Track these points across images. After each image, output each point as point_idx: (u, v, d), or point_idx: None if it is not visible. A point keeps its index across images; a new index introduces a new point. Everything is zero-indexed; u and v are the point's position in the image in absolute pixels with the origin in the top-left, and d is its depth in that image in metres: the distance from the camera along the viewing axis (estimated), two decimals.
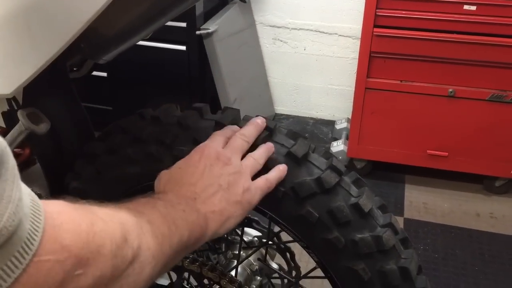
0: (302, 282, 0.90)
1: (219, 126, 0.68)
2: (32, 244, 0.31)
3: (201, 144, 0.62)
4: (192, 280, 0.90)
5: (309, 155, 0.66)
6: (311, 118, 2.85)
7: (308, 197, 0.64)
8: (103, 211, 0.41)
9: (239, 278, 0.88)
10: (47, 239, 0.33)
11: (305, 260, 1.06)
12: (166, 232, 0.47)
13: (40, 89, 0.68)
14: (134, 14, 0.68)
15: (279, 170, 0.63)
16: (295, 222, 0.67)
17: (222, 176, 0.58)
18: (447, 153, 2.14)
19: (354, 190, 0.67)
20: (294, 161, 0.65)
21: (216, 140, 0.62)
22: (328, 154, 0.69)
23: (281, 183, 0.64)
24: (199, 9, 2.21)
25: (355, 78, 2.13)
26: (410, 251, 0.69)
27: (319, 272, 0.73)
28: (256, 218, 0.94)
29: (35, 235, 0.31)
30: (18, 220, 0.30)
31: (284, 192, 0.64)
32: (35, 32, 0.58)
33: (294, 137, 0.68)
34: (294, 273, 0.94)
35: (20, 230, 0.30)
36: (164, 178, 0.59)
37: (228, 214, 0.56)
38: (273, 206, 0.67)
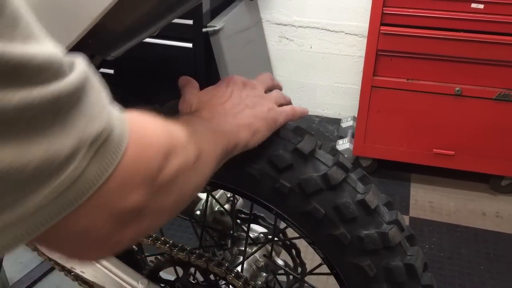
0: (308, 278, 0.90)
1: None
2: (123, 141, 0.35)
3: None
4: (198, 275, 0.91)
5: (316, 151, 0.67)
6: (317, 116, 2.85)
7: (315, 193, 0.64)
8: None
9: (245, 274, 0.88)
10: (136, 134, 0.37)
11: (310, 258, 1.07)
12: (212, 139, 0.52)
13: None
14: (142, 10, 0.68)
15: (304, 109, 0.70)
16: (301, 218, 0.67)
17: (249, 97, 0.63)
18: (453, 152, 2.13)
19: (360, 186, 0.67)
20: (301, 157, 0.65)
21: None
22: (334, 151, 0.69)
23: (288, 179, 0.65)
24: (206, 6, 2.21)
25: (361, 76, 2.13)
26: (416, 248, 0.69)
27: (324, 269, 0.73)
28: (262, 215, 0.95)
29: (125, 132, 0.35)
30: (113, 122, 0.34)
31: (291, 188, 0.65)
32: (43, 28, 0.58)
33: (301, 134, 0.68)
34: (299, 269, 0.95)
35: (114, 133, 0.33)
36: (194, 100, 0.63)
37: (255, 128, 0.61)
38: (279, 202, 0.67)
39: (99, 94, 0.33)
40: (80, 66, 0.31)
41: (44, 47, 0.28)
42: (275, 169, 0.65)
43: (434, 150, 2.16)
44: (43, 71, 0.28)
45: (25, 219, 0.29)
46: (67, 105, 0.29)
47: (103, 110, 0.33)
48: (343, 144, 2.41)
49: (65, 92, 0.29)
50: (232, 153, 0.58)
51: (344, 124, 2.63)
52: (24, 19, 0.27)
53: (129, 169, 0.35)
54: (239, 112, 0.61)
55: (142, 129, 0.39)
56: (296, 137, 0.67)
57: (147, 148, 0.38)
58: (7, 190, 0.27)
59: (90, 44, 0.71)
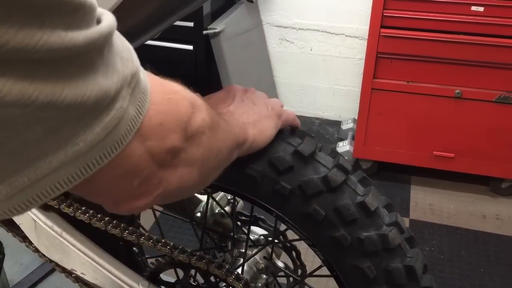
0: (308, 280, 0.91)
1: None
2: (147, 82, 0.37)
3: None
4: (198, 277, 0.91)
5: (316, 153, 0.67)
6: (317, 118, 2.85)
7: (315, 195, 0.64)
8: None
9: (245, 276, 0.88)
10: (163, 85, 0.40)
11: (310, 260, 1.07)
12: (226, 126, 0.53)
13: None
14: (143, 13, 0.68)
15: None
16: (302, 220, 0.67)
17: (250, 99, 0.65)
18: (453, 154, 2.14)
19: (360, 188, 0.67)
20: (301, 159, 0.65)
21: None
22: (334, 153, 0.70)
23: (288, 181, 0.65)
24: (206, 9, 2.22)
25: (361, 79, 2.13)
26: (416, 250, 0.69)
27: (324, 271, 0.73)
28: (262, 217, 0.95)
29: (145, 74, 0.38)
30: (139, 64, 0.36)
31: (291, 190, 0.65)
32: None
33: (301, 136, 0.68)
34: (299, 271, 0.95)
35: (141, 75, 0.36)
36: None
37: (262, 127, 0.62)
38: (279, 204, 0.67)
39: (124, 40, 0.36)
40: (107, 12, 0.33)
41: None
42: (275, 171, 0.65)
43: (434, 152, 2.16)
44: (91, 13, 0.30)
45: (82, 155, 0.31)
46: (107, 46, 0.31)
47: (131, 53, 0.35)
48: (343, 146, 2.41)
49: (105, 33, 0.31)
50: (242, 149, 0.58)
51: (344, 126, 2.63)
52: None
53: (162, 111, 0.38)
54: (243, 113, 0.62)
55: (163, 80, 0.42)
56: (296, 139, 0.67)
57: (174, 93, 0.41)
58: (68, 123, 0.29)
59: None
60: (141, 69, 0.37)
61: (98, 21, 0.32)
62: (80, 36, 0.28)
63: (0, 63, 0.25)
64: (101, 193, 0.38)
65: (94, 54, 0.30)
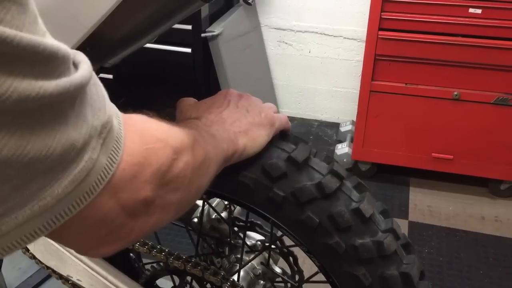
0: (305, 286, 0.90)
1: None
2: (121, 129, 0.37)
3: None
4: (194, 284, 0.90)
5: (310, 159, 0.66)
6: (316, 121, 2.85)
7: (309, 202, 0.64)
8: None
9: (242, 282, 0.88)
10: (143, 135, 0.40)
11: (308, 264, 1.06)
12: (213, 143, 0.53)
13: None
14: (140, 18, 0.68)
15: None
16: (296, 227, 0.67)
17: (244, 106, 0.65)
18: (452, 156, 2.13)
19: (355, 195, 0.67)
20: (295, 166, 0.65)
21: None
22: (329, 159, 0.69)
23: (282, 188, 0.65)
24: (204, 11, 2.21)
25: (359, 81, 2.13)
26: (412, 257, 0.68)
27: (322, 276, 0.73)
28: (259, 222, 0.95)
29: (121, 121, 0.37)
30: (112, 114, 0.36)
31: (285, 197, 0.65)
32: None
33: (294, 142, 0.68)
34: (297, 277, 0.94)
35: (114, 124, 0.35)
36: (192, 109, 0.64)
37: (253, 136, 0.62)
38: (273, 211, 0.67)
39: (100, 87, 0.35)
40: (85, 61, 0.33)
41: (57, 42, 0.30)
42: (269, 178, 0.65)
43: (433, 154, 2.15)
44: (64, 63, 0.30)
45: (49, 209, 0.30)
46: (79, 96, 0.31)
47: (104, 102, 0.35)
48: (342, 149, 2.41)
49: (79, 83, 0.31)
50: (231, 160, 0.58)
51: (343, 129, 2.63)
52: (39, 18, 0.29)
53: (138, 163, 0.38)
54: (236, 120, 0.62)
55: (146, 125, 0.41)
56: (290, 145, 0.67)
57: (156, 143, 0.40)
58: (33, 178, 0.29)
59: (87, 52, 0.71)
60: (114, 116, 0.36)
61: (76, 67, 0.32)
62: (51, 85, 0.28)
63: None
64: (67, 240, 0.38)
65: (65, 104, 0.30)
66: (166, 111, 0.78)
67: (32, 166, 0.28)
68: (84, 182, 0.32)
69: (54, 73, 0.28)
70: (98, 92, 0.34)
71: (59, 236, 0.35)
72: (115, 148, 0.35)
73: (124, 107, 0.42)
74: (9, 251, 0.30)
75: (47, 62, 0.28)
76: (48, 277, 1.69)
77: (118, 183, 0.35)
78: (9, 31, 0.25)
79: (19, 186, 0.28)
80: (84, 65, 0.32)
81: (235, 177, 0.66)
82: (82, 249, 0.40)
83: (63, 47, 0.29)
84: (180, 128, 0.47)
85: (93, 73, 0.34)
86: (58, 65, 0.29)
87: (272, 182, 0.65)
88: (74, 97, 0.30)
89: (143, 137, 0.39)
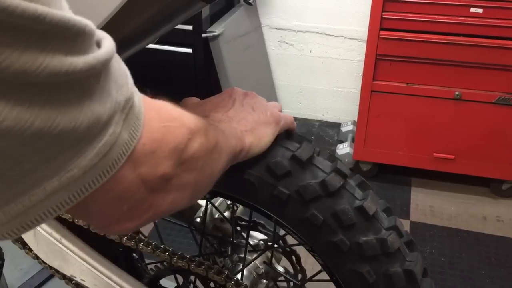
0: (308, 285, 0.90)
1: None
2: (141, 107, 0.37)
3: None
4: (198, 283, 0.91)
5: (314, 158, 0.67)
6: (317, 121, 2.85)
7: (313, 200, 0.64)
8: None
9: (245, 281, 0.88)
10: (160, 113, 0.41)
11: (311, 264, 1.07)
12: (224, 137, 0.53)
13: None
14: (142, 19, 0.68)
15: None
16: (300, 225, 0.67)
17: (250, 105, 0.65)
18: (453, 156, 2.14)
19: (358, 193, 0.67)
20: (299, 164, 0.65)
21: None
22: (332, 157, 0.69)
23: (286, 186, 0.65)
24: (205, 12, 2.22)
25: (361, 81, 2.13)
26: (415, 254, 0.69)
27: (324, 275, 0.73)
28: (261, 222, 0.95)
29: (140, 99, 0.38)
30: (134, 90, 0.37)
31: (289, 195, 0.65)
32: None
33: (298, 140, 0.68)
34: (300, 276, 0.95)
35: (135, 101, 0.36)
36: (197, 108, 0.64)
37: (259, 134, 0.62)
38: (278, 210, 0.67)
39: (123, 65, 0.36)
40: (107, 37, 0.34)
41: (83, 19, 0.30)
42: (273, 177, 0.65)
43: (434, 154, 2.16)
44: (90, 39, 0.30)
45: (75, 180, 0.31)
46: (104, 72, 0.32)
47: (127, 79, 0.36)
48: (343, 149, 2.41)
49: (103, 59, 0.31)
50: (238, 158, 0.59)
51: (344, 129, 2.63)
52: None
53: (157, 139, 0.39)
54: (242, 119, 0.62)
55: (162, 105, 0.42)
56: (294, 144, 0.67)
57: (172, 121, 0.41)
58: (62, 150, 0.29)
59: None
60: (136, 94, 0.37)
61: (98, 45, 0.32)
62: (79, 61, 0.29)
63: (1, 86, 0.25)
64: (90, 215, 0.39)
65: (91, 79, 0.30)
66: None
67: (61, 138, 0.29)
68: (108, 155, 0.33)
69: (81, 49, 0.29)
70: (121, 69, 0.35)
71: (83, 210, 0.36)
72: (136, 124, 0.36)
73: None
74: (37, 223, 0.31)
75: (75, 38, 0.28)
76: (49, 278, 1.69)
77: (139, 157, 0.37)
78: (41, 8, 0.25)
79: (48, 158, 0.29)
80: (107, 42, 0.33)
81: (240, 175, 0.66)
82: (103, 224, 0.41)
83: (89, 23, 0.30)
84: (192, 114, 0.47)
85: (115, 50, 0.35)
86: (85, 40, 0.29)
87: (277, 180, 0.65)
88: (100, 72, 0.31)
89: (160, 115, 0.40)
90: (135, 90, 0.37)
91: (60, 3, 0.28)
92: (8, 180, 0.28)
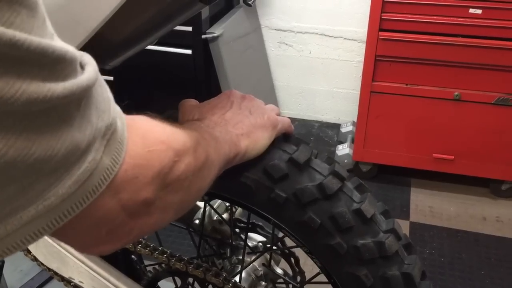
0: (306, 287, 0.90)
1: None
2: (124, 131, 0.37)
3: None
4: (196, 285, 0.91)
5: (311, 161, 0.67)
6: (317, 122, 2.85)
7: (310, 203, 0.64)
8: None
9: (244, 283, 0.88)
10: (145, 137, 0.40)
11: (310, 265, 1.06)
12: (215, 147, 0.53)
13: None
14: (141, 20, 0.68)
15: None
16: (298, 228, 0.67)
17: (247, 108, 0.65)
18: (453, 157, 2.13)
19: (356, 195, 0.67)
20: (296, 167, 0.65)
21: None
22: (330, 160, 0.69)
23: (283, 189, 0.65)
24: (205, 13, 2.22)
25: (360, 82, 2.13)
26: (413, 257, 0.68)
27: (323, 277, 0.73)
28: (260, 223, 0.95)
29: (124, 122, 0.38)
30: (116, 115, 0.36)
31: (286, 198, 0.65)
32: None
33: (296, 143, 0.68)
34: (298, 278, 0.94)
35: (118, 126, 0.36)
36: (195, 110, 0.64)
37: (256, 138, 0.62)
38: (275, 212, 0.67)
39: (106, 89, 0.36)
40: (91, 63, 0.33)
41: (64, 44, 0.30)
42: (270, 179, 0.65)
43: (433, 154, 2.16)
44: (71, 65, 0.30)
45: (53, 208, 0.31)
46: (85, 98, 0.32)
47: (109, 104, 0.35)
48: (343, 149, 2.41)
49: (84, 86, 0.31)
50: (232, 162, 0.58)
51: (343, 129, 2.63)
52: (47, 20, 0.29)
53: (139, 165, 0.38)
54: (238, 122, 0.62)
55: (149, 127, 0.42)
56: (291, 146, 0.67)
57: (158, 145, 0.41)
58: (38, 179, 0.29)
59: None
60: (119, 118, 0.36)
61: (82, 68, 0.32)
62: (58, 87, 0.28)
63: None
64: (68, 238, 0.38)
65: (71, 106, 0.30)
66: (168, 112, 0.78)
67: (37, 167, 0.28)
68: (87, 182, 0.32)
69: (61, 75, 0.29)
70: (104, 94, 0.35)
71: (60, 234, 0.35)
72: (118, 150, 0.35)
73: (128, 110, 0.42)
74: (13, 251, 0.30)
75: (55, 65, 0.28)
76: (49, 279, 1.69)
77: (120, 184, 0.36)
78: (19, 35, 0.25)
79: (24, 187, 0.29)
80: (90, 67, 0.32)
81: (237, 178, 0.66)
82: (82, 247, 0.40)
83: (71, 49, 0.30)
84: (182, 130, 0.47)
85: (99, 75, 0.34)
86: (65, 67, 0.29)
87: (274, 183, 0.65)
88: (80, 99, 0.31)
89: (145, 139, 0.40)
90: (118, 114, 0.36)
91: (42, 29, 0.28)
92: None
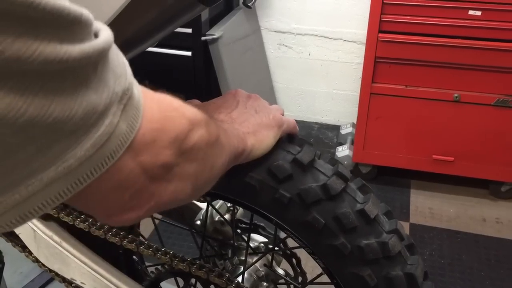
0: (309, 287, 0.90)
1: None
2: (140, 97, 0.37)
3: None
4: (199, 286, 0.91)
5: (315, 161, 0.67)
6: (316, 123, 2.85)
7: (314, 203, 0.64)
8: None
9: (245, 283, 0.88)
10: (160, 103, 0.41)
11: (311, 266, 1.07)
12: (225, 134, 0.53)
13: None
14: (142, 23, 0.68)
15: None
16: (301, 228, 0.67)
17: (253, 107, 0.65)
18: (452, 158, 2.14)
19: (360, 196, 0.67)
20: (300, 167, 0.65)
21: None
22: (334, 161, 0.70)
23: (287, 189, 0.65)
24: (205, 15, 2.22)
25: (360, 83, 2.14)
26: (416, 257, 0.69)
27: (325, 278, 0.73)
28: (262, 224, 0.95)
29: (139, 89, 0.38)
30: (132, 81, 0.36)
31: (290, 199, 0.65)
32: None
33: (300, 144, 0.68)
34: (300, 278, 0.95)
35: (134, 91, 0.36)
36: (201, 108, 0.64)
37: (261, 137, 0.62)
38: (279, 213, 0.67)
39: (121, 55, 0.36)
40: (105, 28, 0.33)
41: (79, 7, 0.30)
42: (274, 180, 0.65)
43: (433, 156, 2.16)
44: (87, 28, 0.30)
45: (72, 171, 0.31)
46: (101, 61, 0.32)
47: (125, 69, 0.35)
48: (343, 151, 2.41)
49: (100, 48, 0.31)
50: (239, 159, 0.58)
51: (343, 131, 2.63)
52: None
53: (157, 128, 0.38)
54: (245, 121, 0.62)
55: (162, 96, 0.42)
56: (295, 147, 0.67)
57: (172, 111, 0.41)
58: (57, 140, 0.29)
59: None
60: (135, 84, 0.37)
61: (96, 36, 0.32)
62: (75, 49, 0.28)
63: None
64: (92, 205, 0.38)
65: (88, 68, 0.30)
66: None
67: (55, 127, 0.29)
68: (105, 146, 0.32)
69: (77, 37, 0.29)
70: (119, 59, 0.35)
71: (83, 200, 0.36)
72: (135, 116, 0.35)
73: None
74: (35, 214, 0.31)
75: (71, 26, 0.28)
76: (50, 281, 1.69)
77: (139, 147, 0.36)
78: None
79: (43, 147, 0.29)
80: (105, 32, 0.33)
81: (241, 178, 0.66)
82: (106, 214, 0.40)
83: (86, 12, 0.30)
84: (194, 107, 0.47)
85: (113, 39, 0.35)
86: (81, 29, 0.29)
87: (278, 183, 0.65)
88: (97, 61, 0.31)
89: (160, 105, 0.40)
90: (134, 80, 0.37)
91: None
92: (3, 170, 0.28)
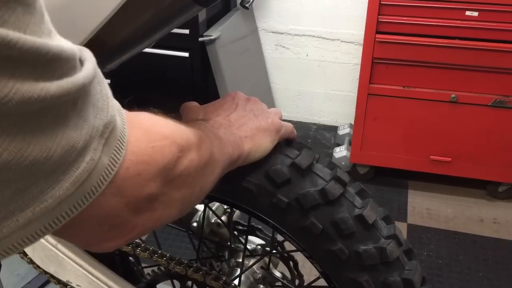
0: None
1: None
2: (125, 127, 0.36)
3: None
4: None
5: (314, 165, 0.66)
6: (314, 124, 2.85)
7: (312, 208, 0.64)
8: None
9: (242, 286, 0.88)
10: (149, 132, 0.40)
11: (308, 268, 1.06)
12: (219, 145, 0.53)
13: None
14: (138, 23, 0.68)
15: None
16: (299, 232, 0.66)
17: (252, 110, 0.65)
18: (450, 159, 2.14)
19: (358, 201, 0.67)
20: (299, 172, 0.65)
21: None
22: (332, 165, 0.69)
23: (285, 194, 0.64)
24: (202, 16, 2.22)
25: (357, 84, 2.13)
26: (414, 263, 0.68)
27: (322, 282, 0.73)
28: (259, 227, 0.94)
29: (124, 118, 0.37)
30: (115, 113, 0.35)
31: (288, 203, 0.65)
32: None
33: (298, 148, 0.68)
34: (297, 281, 0.94)
35: (117, 123, 0.35)
36: (200, 111, 0.64)
37: (259, 141, 0.62)
38: (277, 217, 0.67)
39: (105, 85, 0.35)
40: (90, 59, 0.33)
41: (63, 41, 0.29)
42: (272, 184, 0.65)
43: (431, 156, 2.16)
44: (68, 63, 0.29)
45: (50, 211, 0.30)
46: (81, 97, 0.31)
47: (107, 101, 0.34)
48: (340, 152, 2.41)
49: (80, 84, 0.30)
50: (235, 164, 0.58)
51: (341, 132, 2.63)
52: (46, 16, 0.29)
53: (142, 161, 0.37)
54: (243, 124, 0.62)
55: (152, 122, 0.41)
56: (293, 151, 0.67)
57: (161, 140, 0.40)
58: (34, 182, 0.28)
59: None
60: (118, 116, 0.35)
61: (82, 63, 0.31)
62: (52, 86, 0.28)
63: None
64: (71, 237, 0.38)
65: (67, 105, 0.29)
66: (170, 115, 0.78)
67: (32, 169, 0.28)
68: (85, 183, 0.32)
69: (56, 74, 0.28)
70: (102, 91, 0.34)
71: (62, 234, 0.35)
72: (118, 148, 0.34)
73: (130, 106, 0.42)
74: (10, 253, 0.30)
75: (49, 64, 0.28)
76: (46, 283, 1.68)
77: (122, 182, 0.35)
78: (12, 34, 0.25)
79: (21, 190, 0.28)
80: (89, 64, 0.32)
81: (239, 182, 0.66)
82: (85, 245, 0.40)
83: (68, 47, 0.29)
84: (186, 127, 0.46)
85: (98, 71, 0.33)
86: (61, 66, 0.29)
87: (276, 188, 0.65)
88: (76, 97, 0.30)
89: (148, 135, 0.39)
90: (117, 110, 0.35)
91: (39, 26, 0.27)
92: None
